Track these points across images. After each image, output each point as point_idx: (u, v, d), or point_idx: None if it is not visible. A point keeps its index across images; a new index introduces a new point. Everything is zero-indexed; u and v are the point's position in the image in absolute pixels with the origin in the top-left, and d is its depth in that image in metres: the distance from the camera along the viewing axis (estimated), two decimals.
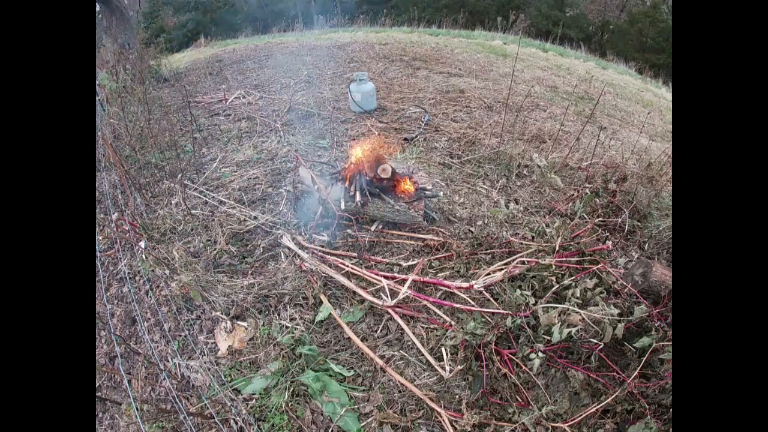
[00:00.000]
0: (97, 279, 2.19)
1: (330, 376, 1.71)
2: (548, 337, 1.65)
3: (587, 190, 2.72)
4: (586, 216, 2.52)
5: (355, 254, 2.31)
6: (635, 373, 1.53)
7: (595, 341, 1.63)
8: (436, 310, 1.98)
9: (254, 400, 1.63)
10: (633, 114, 5.91)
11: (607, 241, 2.24)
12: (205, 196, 2.91)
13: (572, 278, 1.94)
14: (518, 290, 1.89)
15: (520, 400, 1.60)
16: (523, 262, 2.12)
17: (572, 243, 2.20)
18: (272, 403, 1.60)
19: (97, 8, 6.95)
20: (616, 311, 1.65)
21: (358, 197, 2.42)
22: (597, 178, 3.04)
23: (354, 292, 2.08)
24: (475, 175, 3.21)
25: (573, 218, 2.31)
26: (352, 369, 1.76)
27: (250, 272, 2.25)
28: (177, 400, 1.57)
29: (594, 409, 1.50)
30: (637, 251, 2.44)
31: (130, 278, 2.25)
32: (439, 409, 1.56)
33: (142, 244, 2.29)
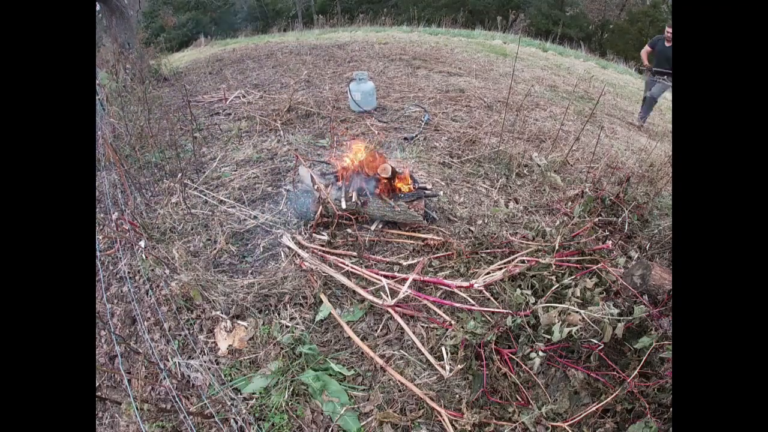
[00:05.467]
0: (97, 278, 2.19)
1: (330, 375, 1.71)
2: (548, 337, 1.65)
3: (587, 189, 2.72)
4: (586, 216, 2.52)
5: (355, 253, 2.31)
6: (635, 372, 1.53)
7: (595, 341, 1.64)
8: (436, 310, 1.98)
9: (254, 400, 1.63)
10: (633, 113, 5.91)
11: (607, 241, 2.24)
12: (205, 195, 2.90)
13: (572, 278, 1.94)
14: (518, 289, 1.89)
15: (520, 399, 1.60)
16: (523, 262, 2.12)
17: (572, 242, 2.20)
18: (272, 403, 1.60)
19: (97, 8, 6.94)
20: (616, 311, 1.65)
21: (354, 197, 2.42)
22: (600, 180, 3.04)
23: (354, 292, 2.08)
24: (475, 175, 3.21)
25: (573, 218, 2.31)
26: (352, 368, 1.76)
27: (250, 271, 2.25)
28: (177, 399, 1.57)
29: (594, 409, 1.50)
30: (636, 251, 2.44)
31: (130, 278, 2.25)
32: (439, 409, 1.56)
33: (142, 243, 2.29)
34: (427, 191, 2.53)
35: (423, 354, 1.79)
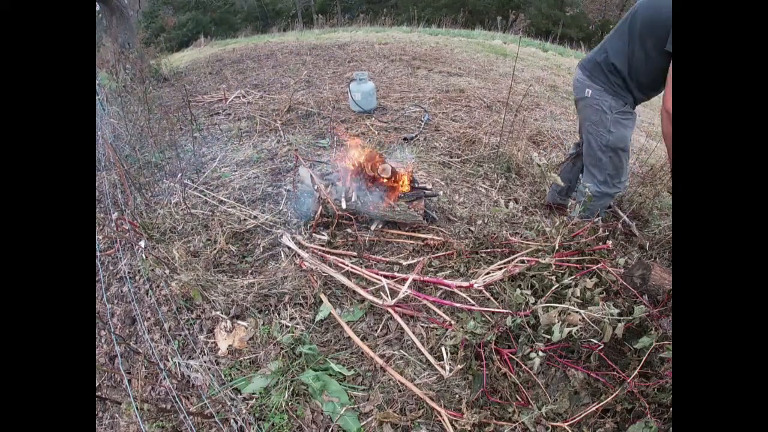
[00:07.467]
0: (97, 278, 2.19)
1: (330, 375, 1.71)
2: (548, 337, 1.65)
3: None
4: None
5: (355, 253, 2.31)
6: (635, 372, 1.53)
7: (595, 341, 1.63)
8: (436, 310, 1.98)
9: (254, 400, 1.63)
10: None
11: (607, 241, 2.24)
12: (205, 195, 2.90)
13: (572, 278, 1.94)
14: (518, 289, 1.89)
15: (520, 399, 1.60)
16: (522, 262, 2.12)
17: (572, 242, 2.20)
18: (272, 403, 1.60)
19: (97, 8, 6.94)
20: (616, 311, 1.65)
21: (354, 197, 2.42)
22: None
23: (354, 292, 2.08)
24: (475, 175, 3.21)
25: (573, 218, 2.31)
26: (352, 368, 1.76)
27: (250, 271, 2.25)
28: (177, 399, 1.57)
29: (594, 409, 1.50)
30: (637, 251, 2.44)
31: (130, 278, 2.25)
32: (439, 409, 1.56)
33: (142, 243, 2.29)
34: (427, 191, 2.53)
35: (423, 354, 1.79)
